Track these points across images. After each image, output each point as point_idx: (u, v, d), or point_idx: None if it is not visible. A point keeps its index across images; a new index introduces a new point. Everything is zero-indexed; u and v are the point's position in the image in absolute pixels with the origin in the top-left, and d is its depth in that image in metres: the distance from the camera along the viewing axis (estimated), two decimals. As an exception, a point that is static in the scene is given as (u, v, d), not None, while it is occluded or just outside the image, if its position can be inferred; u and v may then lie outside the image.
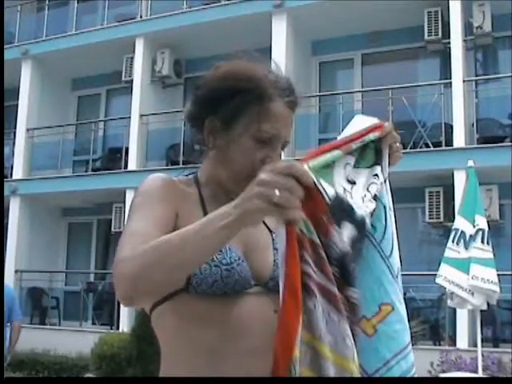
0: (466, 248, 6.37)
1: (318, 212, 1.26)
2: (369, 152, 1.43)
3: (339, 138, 1.42)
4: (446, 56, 10.86)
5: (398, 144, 1.48)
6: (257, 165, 1.36)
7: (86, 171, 13.45)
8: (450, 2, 10.35)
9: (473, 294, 6.23)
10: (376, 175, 1.42)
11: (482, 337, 7.08)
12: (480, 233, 6.38)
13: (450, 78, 10.30)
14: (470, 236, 6.39)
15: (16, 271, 12.76)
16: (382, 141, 1.44)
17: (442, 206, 10.12)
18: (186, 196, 1.43)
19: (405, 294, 5.16)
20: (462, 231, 6.46)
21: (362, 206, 1.37)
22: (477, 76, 11.17)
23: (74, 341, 11.18)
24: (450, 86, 10.25)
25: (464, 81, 10.19)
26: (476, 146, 9.94)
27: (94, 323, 12.71)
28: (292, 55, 11.35)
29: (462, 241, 6.42)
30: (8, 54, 12.62)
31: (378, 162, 1.43)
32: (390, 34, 11.43)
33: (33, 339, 10.73)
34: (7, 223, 12.83)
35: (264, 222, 1.44)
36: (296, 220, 1.16)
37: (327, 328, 1.23)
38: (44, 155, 13.69)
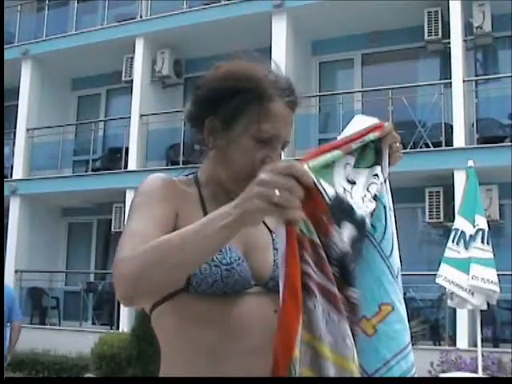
0: (466, 248, 6.36)
1: (318, 212, 1.26)
2: (369, 152, 1.43)
3: (339, 138, 1.42)
4: (445, 56, 10.85)
5: (398, 144, 1.47)
6: (257, 165, 1.35)
7: (86, 171, 13.44)
8: (450, 2, 10.35)
9: (473, 294, 6.23)
10: (376, 175, 1.42)
11: (482, 337, 7.07)
12: (480, 233, 6.38)
13: (450, 78, 10.30)
14: (470, 236, 6.38)
15: (16, 271, 12.76)
16: (382, 141, 1.44)
17: (442, 206, 10.11)
18: (186, 196, 1.43)
19: (405, 294, 5.16)
20: (462, 231, 6.46)
21: (362, 206, 1.37)
22: (477, 76, 11.17)
23: (73, 341, 11.18)
24: (450, 86, 10.24)
25: (464, 81, 10.19)
26: (476, 146, 9.94)
27: (94, 323, 12.70)
28: (292, 55, 11.35)
29: (462, 241, 6.42)
30: (8, 54, 12.62)
31: (378, 161, 1.43)
32: (390, 34, 11.42)
33: (33, 339, 10.73)
34: (7, 223, 12.82)
35: (264, 222, 1.44)
36: (296, 220, 1.16)
37: (327, 328, 1.23)
38: (44, 155, 13.69)
